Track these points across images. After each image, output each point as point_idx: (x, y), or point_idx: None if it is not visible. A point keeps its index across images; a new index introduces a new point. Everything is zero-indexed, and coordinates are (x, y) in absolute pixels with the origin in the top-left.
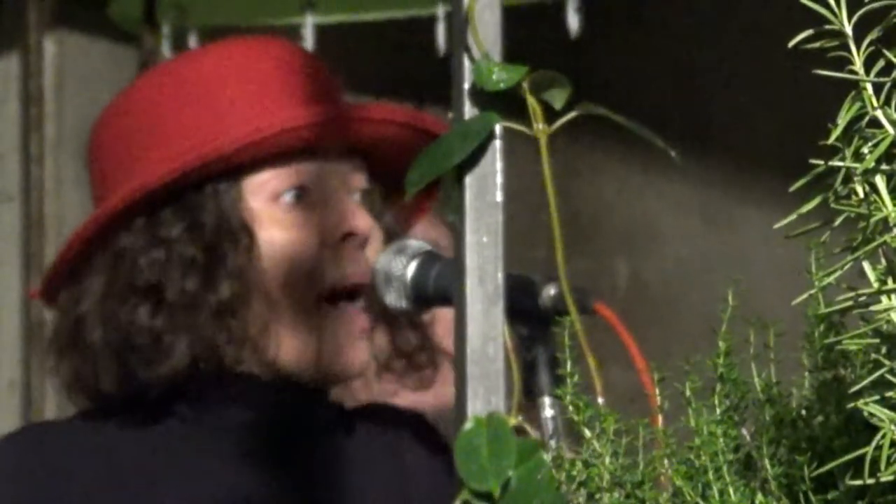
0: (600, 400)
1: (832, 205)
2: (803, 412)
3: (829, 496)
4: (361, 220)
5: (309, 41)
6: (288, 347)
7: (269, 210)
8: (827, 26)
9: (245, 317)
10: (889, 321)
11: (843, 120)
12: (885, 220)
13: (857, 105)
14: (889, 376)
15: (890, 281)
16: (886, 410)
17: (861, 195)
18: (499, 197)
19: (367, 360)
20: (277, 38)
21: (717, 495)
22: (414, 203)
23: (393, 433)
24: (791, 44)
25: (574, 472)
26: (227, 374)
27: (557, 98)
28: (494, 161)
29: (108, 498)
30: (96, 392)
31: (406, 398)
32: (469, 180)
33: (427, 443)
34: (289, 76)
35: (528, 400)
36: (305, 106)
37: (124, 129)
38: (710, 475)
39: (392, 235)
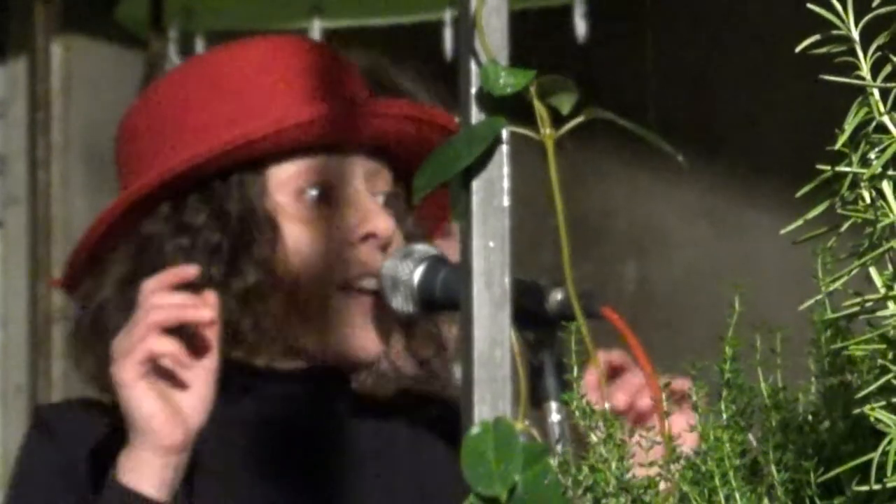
0: (607, 405)
1: (839, 210)
2: (810, 418)
3: (836, 502)
4: (383, 222)
5: None
6: (306, 338)
7: (294, 206)
8: (834, 32)
9: (267, 307)
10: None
11: (849, 125)
12: (891, 225)
13: (864, 110)
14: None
15: None
16: (893, 416)
17: (868, 200)
18: (506, 201)
19: (379, 347)
20: (299, 37)
21: (723, 501)
22: (437, 210)
23: (416, 423)
24: (798, 49)
25: (580, 477)
26: (244, 364)
27: (564, 103)
28: (501, 165)
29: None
30: None
31: None
32: (476, 185)
33: (451, 433)
34: (312, 73)
35: (535, 405)
36: (328, 102)
37: (150, 122)
38: (717, 480)
39: (413, 240)
